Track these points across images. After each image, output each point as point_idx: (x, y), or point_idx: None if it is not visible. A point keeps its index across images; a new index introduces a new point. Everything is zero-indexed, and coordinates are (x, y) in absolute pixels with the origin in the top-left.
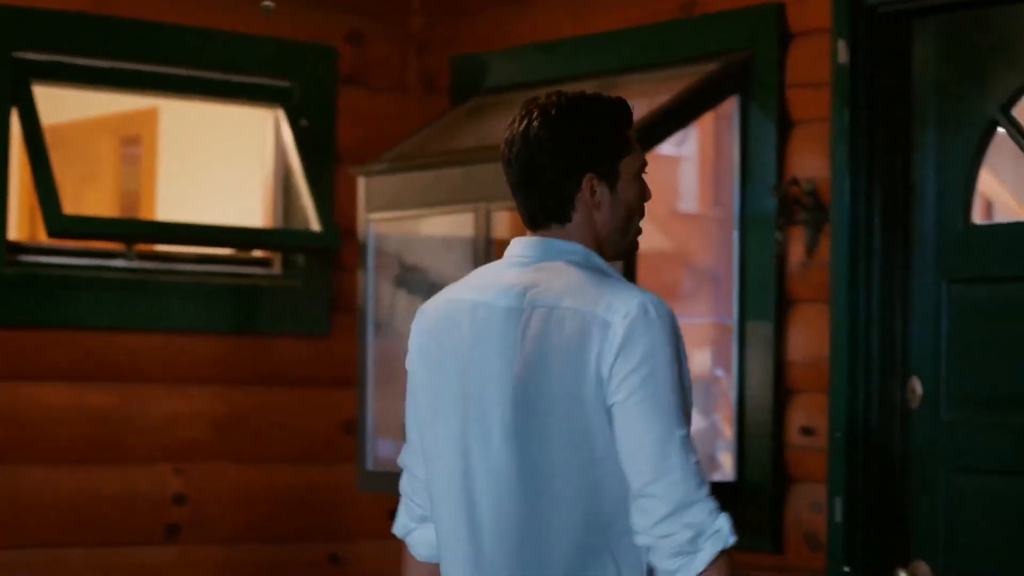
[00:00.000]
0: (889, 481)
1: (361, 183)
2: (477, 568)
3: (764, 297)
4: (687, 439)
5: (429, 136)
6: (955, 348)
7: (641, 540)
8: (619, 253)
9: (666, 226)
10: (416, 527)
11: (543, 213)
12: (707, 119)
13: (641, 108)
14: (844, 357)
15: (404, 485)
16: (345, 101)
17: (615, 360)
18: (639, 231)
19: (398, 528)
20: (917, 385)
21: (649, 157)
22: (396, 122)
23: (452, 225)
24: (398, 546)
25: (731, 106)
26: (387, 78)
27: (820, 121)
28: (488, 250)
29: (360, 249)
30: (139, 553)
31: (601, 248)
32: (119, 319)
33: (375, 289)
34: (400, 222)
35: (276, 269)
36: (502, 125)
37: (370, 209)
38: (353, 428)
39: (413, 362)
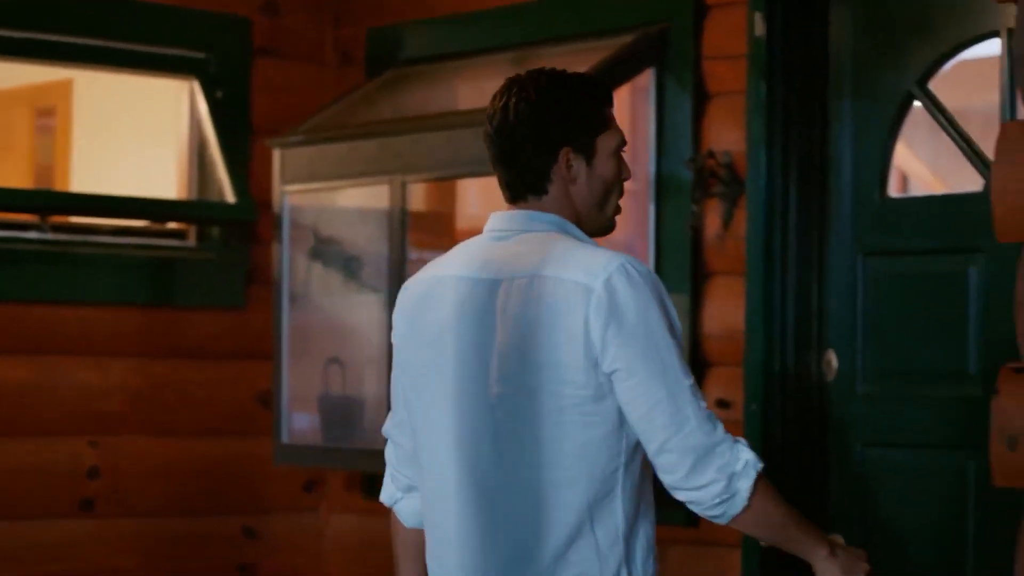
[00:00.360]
0: (805, 454)
1: (276, 155)
2: (465, 535)
3: (680, 270)
4: (694, 387)
5: (345, 108)
6: (871, 321)
7: (680, 496)
8: (598, 229)
9: None
10: (403, 496)
11: (521, 186)
12: (623, 91)
13: None
14: (760, 330)
15: (389, 455)
16: (261, 72)
17: (606, 326)
18: (618, 209)
19: (385, 497)
20: (833, 358)
21: None
22: (312, 94)
23: (367, 197)
24: (312, 519)
25: (647, 78)
26: (303, 49)
27: (737, 94)
28: (404, 221)
29: (275, 221)
30: (54, 527)
31: (580, 222)
32: (34, 291)
33: (290, 261)
34: (316, 194)
35: (191, 241)
36: (417, 97)
37: (285, 181)
38: (269, 401)
39: (398, 337)
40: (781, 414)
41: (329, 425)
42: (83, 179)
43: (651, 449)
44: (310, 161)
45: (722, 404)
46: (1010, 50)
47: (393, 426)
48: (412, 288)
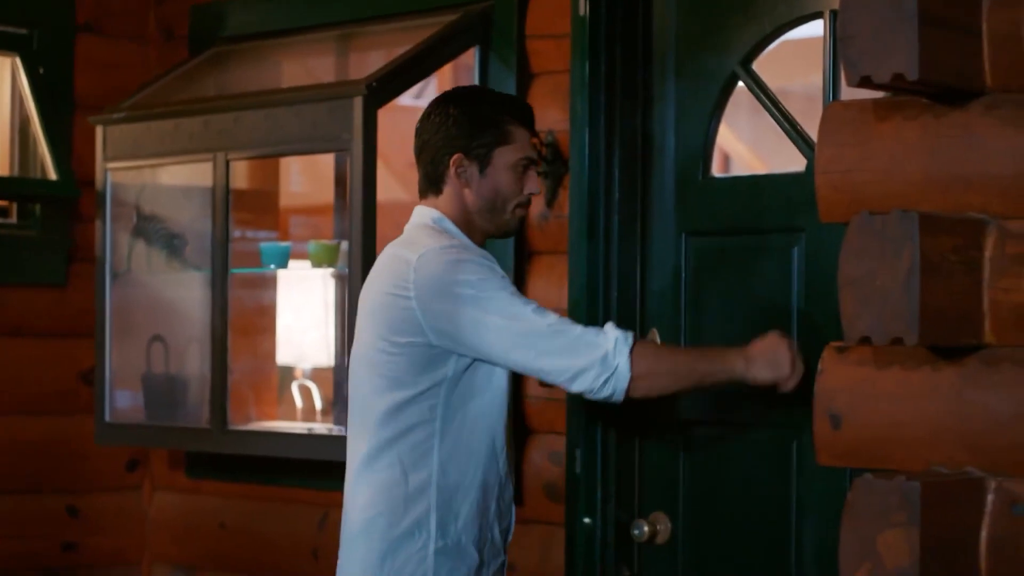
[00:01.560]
0: (628, 433)
1: (99, 132)
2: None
3: (504, 248)
4: (537, 309)
5: (168, 85)
6: (694, 300)
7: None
8: (495, 231)
9: (404, 176)
10: None
11: (424, 185)
12: (446, 69)
13: (380, 59)
14: (582, 309)
15: None
16: (83, 49)
17: (427, 297)
18: (517, 218)
19: None
20: (656, 336)
21: (388, 109)
22: (135, 71)
23: (190, 174)
24: (136, 498)
25: (471, 57)
26: (126, 26)
27: (560, 73)
28: (227, 199)
29: (98, 198)
30: None
31: (471, 223)
32: None
33: (113, 239)
34: (139, 171)
35: (12, 218)
36: (241, 74)
37: (108, 158)
38: (91, 379)
39: None
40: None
41: (152, 403)
42: None
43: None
44: (133, 138)
45: (544, 383)
46: (834, 31)
47: None
48: None
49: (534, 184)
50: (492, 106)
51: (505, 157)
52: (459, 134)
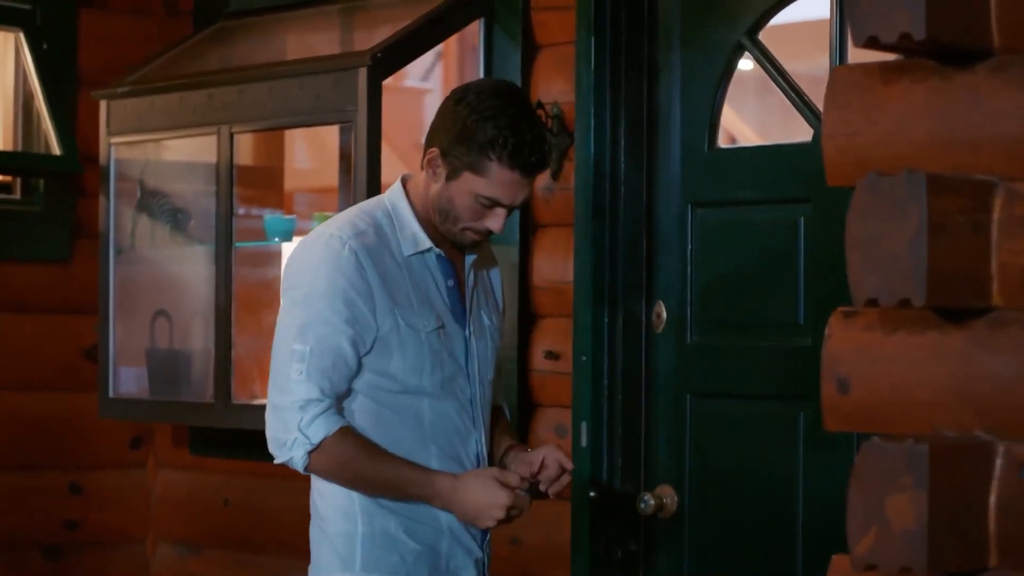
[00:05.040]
0: (634, 405)
1: (103, 107)
2: None
3: (509, 222)
4: (297, 353)
5: (172, 59)
6: (700, 272)
7: None
8: (444, 236)
9: (409, 157)
10: None
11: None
12: (452, 50)
13: (384, 32)
14: (588, 281)
15: None
16: (87, 24)
17: None
18: (467, 239)
19: None
20: (662, 309)
21: (395, 91)
22: (139, 46)
23: (194, 149)
24: (139, 474)
25: (476, 29)
26: (129, 1)
27: (566, 45)
28: (230, 172)
29: (102, 174)
30: None
31: (427, 216)
32: None
33: (117, 214)
34: (142, 146)
35: (16, 194)
36: (245, 49)
37: (112, 133)
38: (95, 355)
39: None
40: (610, 365)
41: (156, 379)
42: None
43: None
44: (137, 113)
45: (551, 356)
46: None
47: None
48: None
49: (495, 224)
50: (493, 131)
51: (472, 184)
52: (447, 133)
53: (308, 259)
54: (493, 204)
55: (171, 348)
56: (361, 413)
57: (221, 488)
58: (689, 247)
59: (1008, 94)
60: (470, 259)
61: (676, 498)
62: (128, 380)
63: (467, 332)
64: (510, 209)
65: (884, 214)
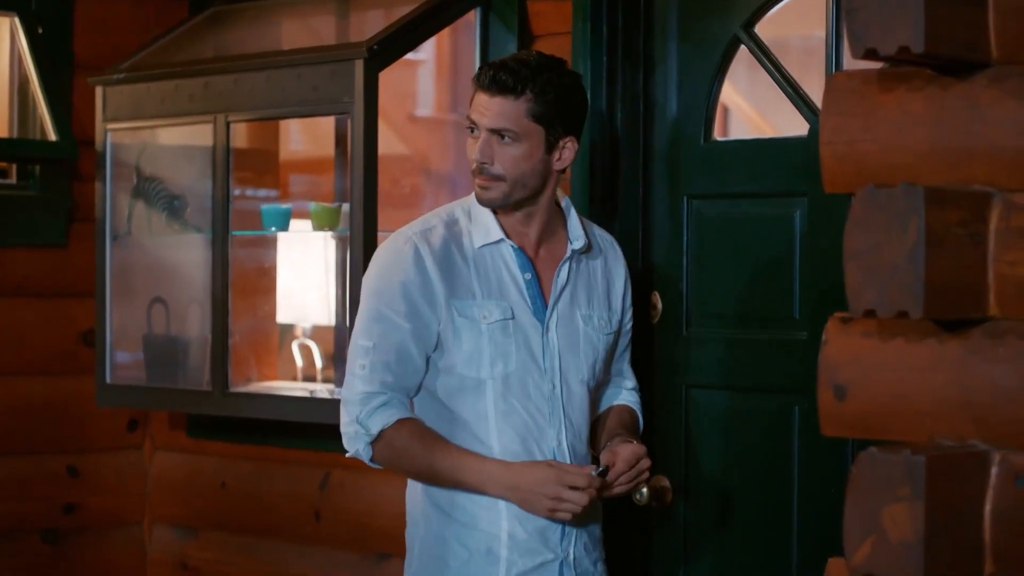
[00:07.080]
0: None
1: (99, 92)
2: None
3: None
4: (364, 347)
5: (168, 45)
6: (696, 264)
7: None
8: (517, 231)
9: (403, 131)
10: None
11: None
12: (447, 31)
13: (380, 19)
14: None
15: None
16: (83, 9)
17: None
18: (479, 188)
19: None
20: (658, 300)
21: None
22: (135, 31)
23: (190, 135)
24: (137, 458)
25: (472, 18)
26: None
27: (562, 35)
28: (227, 161)
29: (98, 159)
30: None
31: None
32: None
33: (113, 200)
34: (138, 132)
35: (11, 179)
36: (241, 35)
37: (108, 119)
38: (92, 340)
39: None
40: None
41: (153, 365)
42: None
43: None
44: (133, 99)
45: None
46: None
47: None
48: None
49: (471, 150)
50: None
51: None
52: None
53: (377, 259)
54: (472, 129)
55: (168, 334)
56: (428, 411)
57: (218, 471)
58: (685, 240)
59: (1006, 104)
60: (572, 249)
61: (671, 489)
62: (125, 365)
63: (545, 326)
64: (490, 135)
65: (882, 226)
